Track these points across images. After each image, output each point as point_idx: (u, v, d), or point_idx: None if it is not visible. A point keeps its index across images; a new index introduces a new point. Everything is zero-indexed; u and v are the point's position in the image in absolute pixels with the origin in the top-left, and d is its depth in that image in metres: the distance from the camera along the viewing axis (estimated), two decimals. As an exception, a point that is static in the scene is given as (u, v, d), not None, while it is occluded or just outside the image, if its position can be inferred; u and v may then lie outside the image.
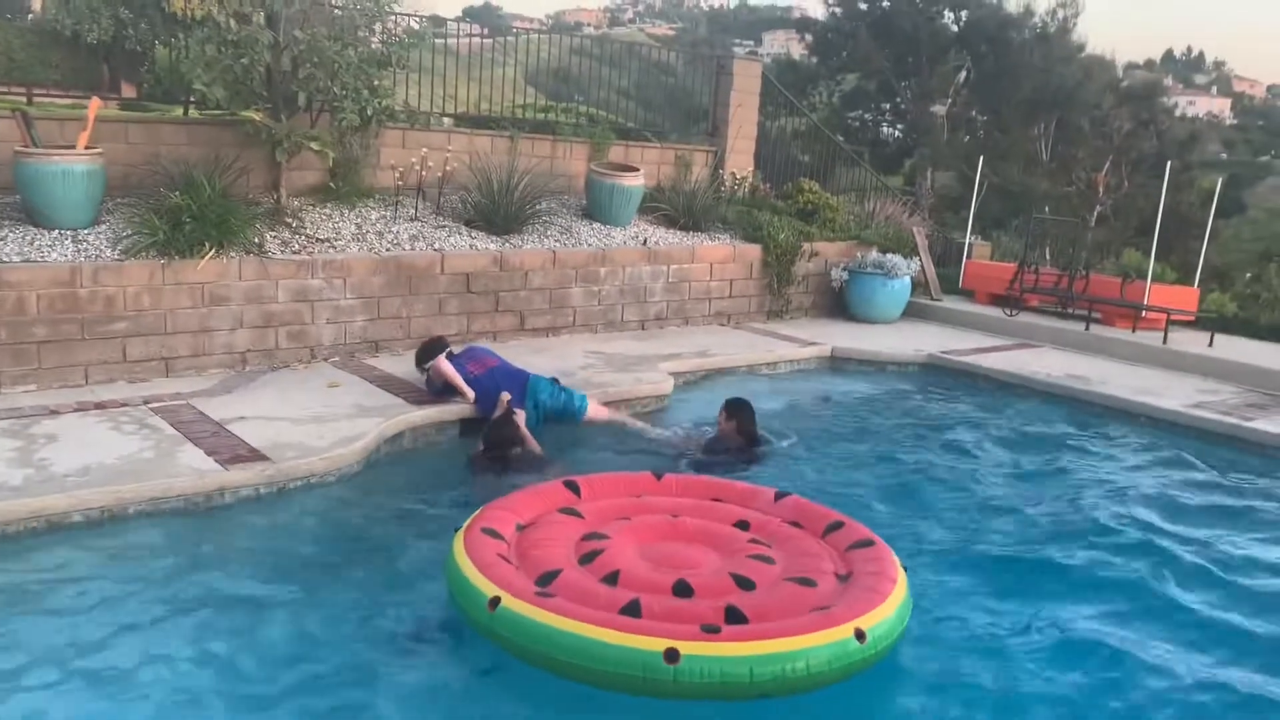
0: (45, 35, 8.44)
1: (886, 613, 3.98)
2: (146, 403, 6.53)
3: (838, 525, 4.79)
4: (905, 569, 4.41)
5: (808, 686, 3.76)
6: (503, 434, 6.42)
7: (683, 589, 4.11)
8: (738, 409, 6.85)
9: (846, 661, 3.78)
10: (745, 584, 4.20)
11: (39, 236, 7.01)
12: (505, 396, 6.78)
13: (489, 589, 3.98)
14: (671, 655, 3.59)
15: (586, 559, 4.37)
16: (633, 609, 3.87)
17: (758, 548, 4.58)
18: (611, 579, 4.18)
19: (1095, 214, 25.89)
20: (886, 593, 4.09)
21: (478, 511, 4.75)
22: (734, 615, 3.89)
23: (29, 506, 4.86)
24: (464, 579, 4.14)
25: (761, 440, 6.92)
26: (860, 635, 3.80)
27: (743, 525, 4.88)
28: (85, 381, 6.86)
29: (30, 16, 9.84)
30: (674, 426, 7.31)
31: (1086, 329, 10.70)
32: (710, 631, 3.73)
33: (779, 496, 5.18)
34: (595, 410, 7.11)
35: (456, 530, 4.53)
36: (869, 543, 4.57)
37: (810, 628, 3.79)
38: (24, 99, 8.40)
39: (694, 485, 5.40)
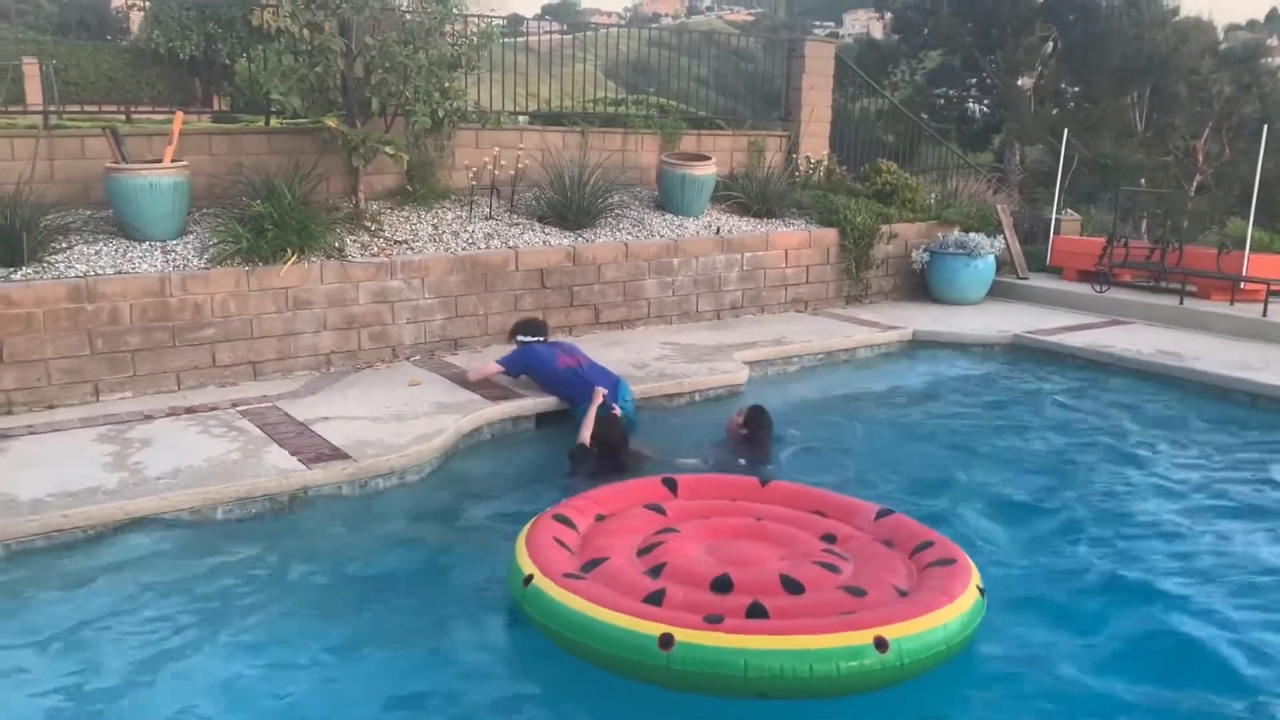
0: (142, 55, 8.80)
1: (925, 625, 3.72)
2: (235, 406, 6.76)
3: (927, 544, 4.48)
4: (983, 590, 4.12)
5: (814, 690, 3.58)
6: (613, 438, 6.17)
7: (722, 584, 4.03)
8: (756, 421, 6.41)
9: (862, 670, 3.58)
10: (794, 587, 4.04)
11: (130, 248, 7.30)
12: (601, 391, 6.66)
13: (527, 567, 4.10)
14: (666, 641, 3.57)
15: (645, 550, 4.39)
16: (655, 598, 3.87)
17: (829, 556, 4.39)
18: (656, 570, 4.18)
19: (1195, 183, 24.87)
20: (934, 606, 3.82)
21: (564, 500, 4.86)
22: (756, 612, 3.80)
23: (124, 509, 5.08)
24: (512, 557, 4.28)
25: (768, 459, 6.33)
26: (881, 644, 3.58)
27: (830, 539, 4.64)
28: (177, 387, 7.14)
29: (129, 38, 10.27)
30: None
31: (1180, 303, 10.33)
32: (713, 622, 3.65)
33: (881, 515, 4.86)
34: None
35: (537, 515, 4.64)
36: (950, 561, 4.26)
37: (824, 629, 3.63)
38: (123, 117, 8.78)
39: (797, 496, 5.13)
